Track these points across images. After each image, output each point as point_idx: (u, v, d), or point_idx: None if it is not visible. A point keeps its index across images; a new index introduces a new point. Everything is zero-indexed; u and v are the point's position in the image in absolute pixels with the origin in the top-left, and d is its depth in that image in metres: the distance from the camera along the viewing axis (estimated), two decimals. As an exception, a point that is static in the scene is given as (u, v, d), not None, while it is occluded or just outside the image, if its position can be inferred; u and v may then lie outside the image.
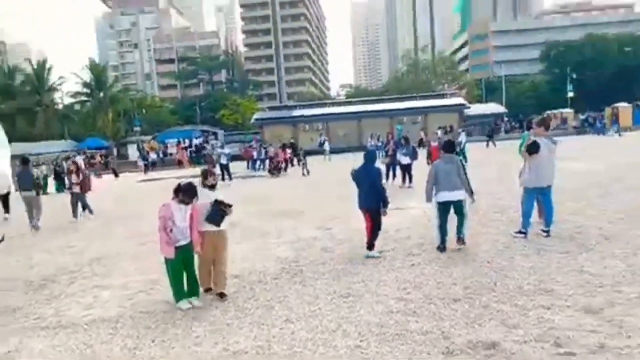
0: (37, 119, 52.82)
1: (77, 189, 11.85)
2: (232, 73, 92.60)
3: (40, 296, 5.86)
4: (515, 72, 71.47)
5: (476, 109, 46.91)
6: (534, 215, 7.18)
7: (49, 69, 56.55)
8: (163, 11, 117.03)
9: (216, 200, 5.11)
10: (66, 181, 15.03)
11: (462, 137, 19.52)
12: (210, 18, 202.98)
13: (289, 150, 24.58)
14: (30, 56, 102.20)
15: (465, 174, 6.52)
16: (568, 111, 45.59)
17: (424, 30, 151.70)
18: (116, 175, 28.85)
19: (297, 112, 47.26)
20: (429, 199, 6.56)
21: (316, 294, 5.10)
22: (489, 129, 34.04)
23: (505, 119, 47.73)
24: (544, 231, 6.79)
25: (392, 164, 14.43)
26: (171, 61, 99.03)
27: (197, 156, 34.55)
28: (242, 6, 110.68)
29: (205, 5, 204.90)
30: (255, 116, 48.15)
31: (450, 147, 6.83)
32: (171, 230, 4.83)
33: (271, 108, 54.67)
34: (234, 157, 29.50)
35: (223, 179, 19.36)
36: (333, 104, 53.39)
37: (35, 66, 56.66)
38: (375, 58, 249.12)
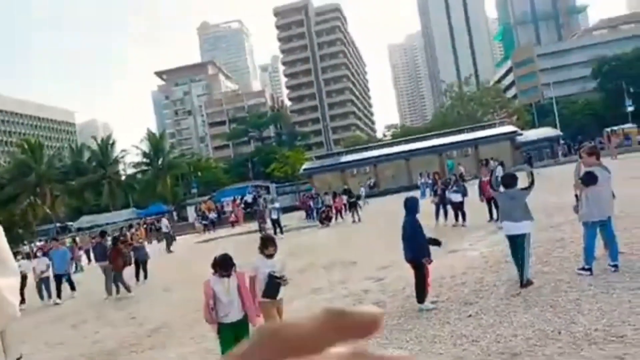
0: (102, 191, 56.54)
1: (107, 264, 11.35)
2: (279, 127, 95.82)
3: (102, 372, 6.04)
4: (567, 93, 69.08)
5: (529, 135, 45.40)
6: (600, 248, 6.68)
7: (112, 144, 60.97)
8: (212, 77, 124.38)
9: (270, 275, 5.09)
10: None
11: (499, 171, 18.99)
12: (256, 78, 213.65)
13: (344, 197, 24.41)
14: (97, 132, 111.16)
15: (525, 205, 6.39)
16: (630, 126, 43.06)
17: (465, 62, 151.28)
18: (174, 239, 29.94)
19: (344, 158, 47.74)
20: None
21: (367, 356, 4.91)
22: (526, 157, 32.37)
23: (562, 141, 45.64)
24: (612, 266, 6.27)
25: (442, 203, 14.12)
26: (223, 123, 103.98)
27: (249, 212, 35.31)
28: (284, 64, 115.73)
29: (250, 66, 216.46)
30: (304, 166, 49.03)
31: (509, 181, 6.66)
32: (213, 308, 4.64)
33: (319, 157, 55.55)
34: (287, 209, 30.03)
35: (275, 232, 19.60)
36: (379, 146, 53.51)
37: (100, 142, 61.32)
38: (418, 96, 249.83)
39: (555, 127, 48.91)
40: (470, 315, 5.63)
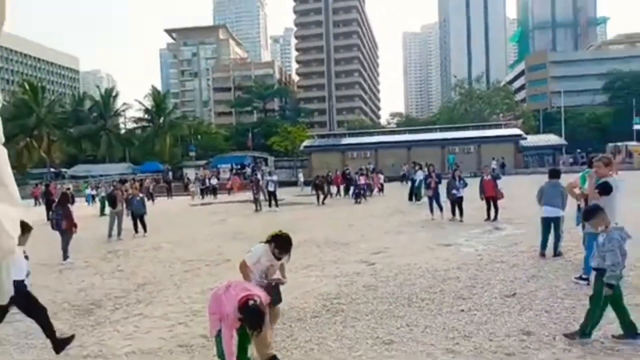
0: (100, 142, 56.16)
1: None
2: (285, 101, 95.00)
3: (86, 322, 5.96)
4: (576, 103, 68.70)
5: (533, 140, 45.23)
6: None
7: (115, 96, 60.38)
8: (222, 42, 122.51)
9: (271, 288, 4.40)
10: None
11: (419, 175, 19.15)
12: (266, 49, 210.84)
13: (381, 176, 23.84)
14: (101, 82, 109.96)
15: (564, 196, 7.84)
16: (634, 144, 42.96)
17: (478, 60, 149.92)
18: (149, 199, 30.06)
19: (346, 140, 47.49)
20: (540, 203, 8.16)
21: (357, 338, 4.85)
22: (499, 162, 33.51)
23: (578, 151, 45.45)
24: (610, 279, 6.21)
25: (435, 196, 14.06)
26: (228, 89, 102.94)
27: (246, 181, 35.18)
28: (297, 37, 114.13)
29: (262, 36, 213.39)
30: (304, 144, 48.78)
31: (554, 173, 8.32)
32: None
33: (320, 136, 55.29)
34: (283, 183, 29.82)
35: (270, 205, 19.55)
36: (382, 133, 53.30)
37: (102, 93, 60.66)
38: (427, 88, 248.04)
39: (560, 135, 48.73)
40: (462, 310, 5.56)
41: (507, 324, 4.98)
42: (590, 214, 5.01)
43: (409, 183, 21.52)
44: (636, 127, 47.79)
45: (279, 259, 4.39)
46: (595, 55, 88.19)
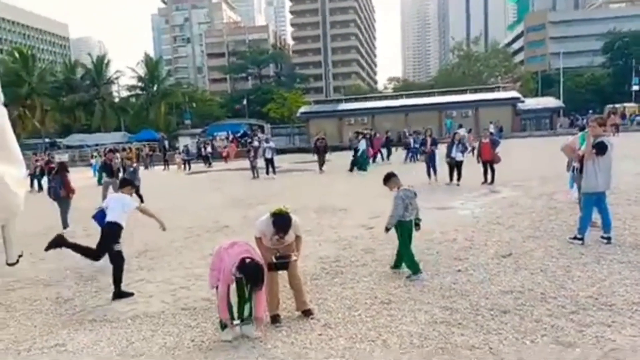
0: (94, 110, 55.47)
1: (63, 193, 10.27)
2: (280, 67, 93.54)
3: (90, 288, 6.06)
4: (574, 65, 67.85)
5: (531, 103, 44.93)
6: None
7: (107, 63, 59.26)
8: (215, 5, 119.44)
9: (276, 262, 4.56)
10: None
11: (362, 145, 19.36)
12: (260, 12, 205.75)
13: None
14: (91, 49, 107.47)
15: None
16: (632, 105, 42.75)
17: (477, 22, 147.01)
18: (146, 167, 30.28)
19: (342, 106, 47.09)
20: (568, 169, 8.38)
21: (356, 298, 4.96)
22: (497, 126, 34.13)
23: (580, 116, 45.21)
24: (604, 238, 6.30)
25: (431, 161, 14.14)
26: (222, 55, 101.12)
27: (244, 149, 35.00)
28: (291, 0, 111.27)
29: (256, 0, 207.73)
30: (300, 110, 48.42)
31: (583, 129, 8.50)
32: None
33: (317, 102, 54.82)
34: (280, 150, 29.83)
35: (267, 172, 19.57)
36: (379, 98, 52.86)
37: (94, 60, 59.48)
38: (425, 52, 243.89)
39: (558, 98, 48.37)
40: (459, 271, 5.66)
41: (502, 283, 5.09)
42: (385, 179, 5.86)
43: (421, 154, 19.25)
44: (635, 87, 47.35)
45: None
46: (595, 14, 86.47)
